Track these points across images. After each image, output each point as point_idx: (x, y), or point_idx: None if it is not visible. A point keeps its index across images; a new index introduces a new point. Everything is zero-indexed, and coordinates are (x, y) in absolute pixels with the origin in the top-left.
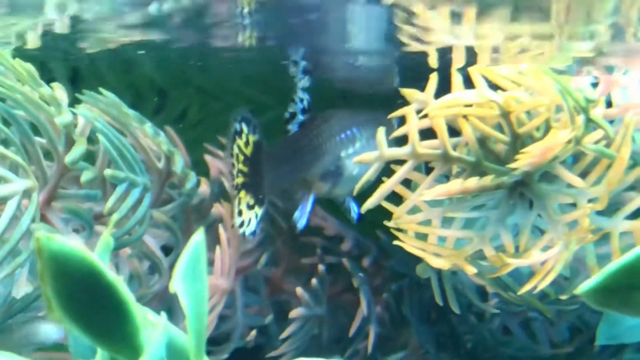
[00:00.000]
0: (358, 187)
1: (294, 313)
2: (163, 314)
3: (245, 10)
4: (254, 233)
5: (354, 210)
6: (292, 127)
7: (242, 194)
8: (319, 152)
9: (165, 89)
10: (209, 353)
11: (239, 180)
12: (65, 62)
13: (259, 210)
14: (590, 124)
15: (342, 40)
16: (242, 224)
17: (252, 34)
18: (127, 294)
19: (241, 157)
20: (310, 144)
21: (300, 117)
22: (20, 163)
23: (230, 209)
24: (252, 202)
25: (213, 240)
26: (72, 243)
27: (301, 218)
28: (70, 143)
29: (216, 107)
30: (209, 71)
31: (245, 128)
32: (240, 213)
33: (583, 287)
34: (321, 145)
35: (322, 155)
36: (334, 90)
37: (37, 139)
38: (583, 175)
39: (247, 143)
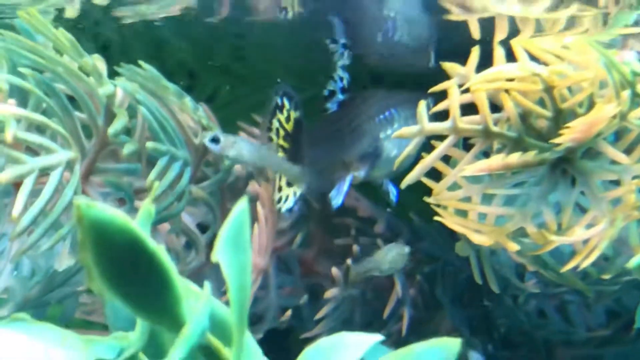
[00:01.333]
0: (398, 162)
1: (329, 293)
2: (207, 284)
3: None
4: (290, 210)
5: (392, 193)
6: (331, 106)
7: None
8: (359, 134)
9: (196, 68)
10: None
11: (280, 154)
12: (96, 38)
13: (297, 189)
14: (637, 99)
15: (380, 10)
16: (279, 200)
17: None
18: (169, 264)
19: (282, 132)
20: (350, 125)
21: (340, 96)
22: (62, 133)
23: (267, 188)
24: (286, 180)
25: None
26: (113, 211)
27: (337, 196)
28: (110, 116)
29: (247, 88)
30: (242, 48)
31: (287, 103)
32: (280, 189)
33: (634, 262)
34: (361, 126)
35: (362, 136)
36: (372, 67)
37: (76, 112)
38: (627, 152)
39: (288, 119)
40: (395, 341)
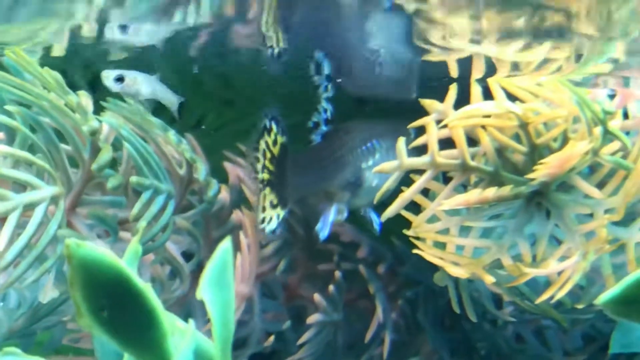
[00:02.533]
0: (378, 196)
1: (312, 319)
2: (191, 322)
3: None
4: (274, 231)
5: (375, 221)
6: (315, 137)
7: (268, 191)
8: (342, 164)
9: (183, 95)
10: None
11: (265, 176)
12: (86, 69)
13: (281, 212)
14: (608, 136)
15: (363, 46)
16: (263, 220)
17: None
18: (156, 301)
19: (268, 155)
20: (333, 155)
21: (324, 128)
22: (47, 169)
23: (250, 217)
24: (275, 201)
25: (232, 247)
26: (101, 250)
27: (323, 229)
28: (95, 150)
29: (233, 114)
30: (226, 77)
31: (275, 127)
32: (264, 209)
33: (602, 298)
34: (343, 156)
35: (344, 166)
36: (356, 99)
37: (62, 145)
38: (600, 186)
39: (275, 142)
40: None
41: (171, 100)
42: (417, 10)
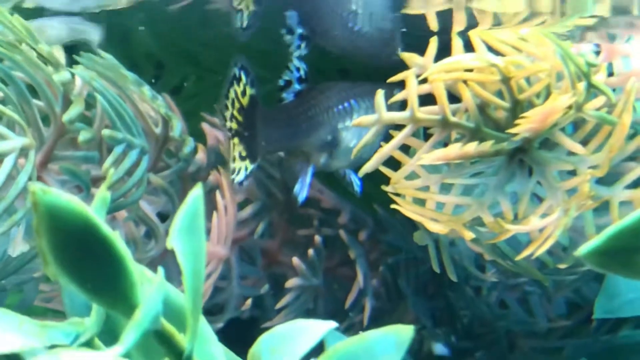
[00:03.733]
0: (356, 150)
1: (290, 283)
2: (160, 269)
3: None
4: (241, 183)
5: (356, 183)
6: (287, 96)
7: (236, 141)
8: (316, 123)
9: (162, 59)
10: None
11: (233, 125)
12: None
13: (249, 165)
14: (592, 91)
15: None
16: (233, 171)
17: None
18: (124, 249)
19: (237, 105)
20: (306, 113)
21: (297, 86)
22: (17, 121)
23: (228, 177)
24: (244, 153)
25: (210, 208)
26: (68, 197)
27: (301, 191)
28: (67, 104)
29: (213, 80)
30: (205, 41)
31: (244, 77)
32: (233, 159)
33: (583, 249)
34: (318, 115)
35: (319, 125)
36: (333, 59)
37: (34, 100)
38: (583, 143)
39: (243, 93)
40: (358, 332)
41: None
42: None
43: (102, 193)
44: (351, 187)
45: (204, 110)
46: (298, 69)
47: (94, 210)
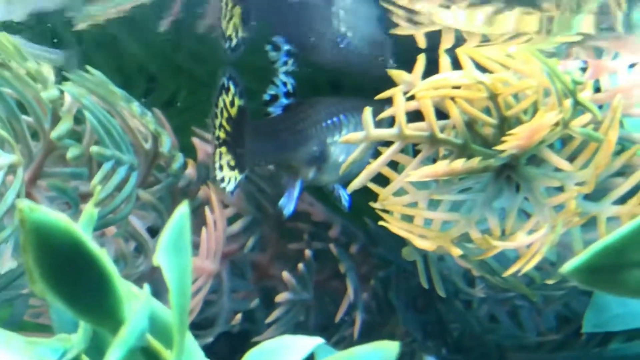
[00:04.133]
0: (344, 167)
1: (280, 297)
2: (146, 286)
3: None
4: (232, 193)
5: (344, 198)
6: (275, 110)
7: (223, 149)
8: (304, 136)
9: (154, 73)
10: (194, 337)
11: (221, 134)
12: (52, 43)
13: (238, 175)
14: (578, 108)
15: (328, 24)
16: (222, 180)
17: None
18: (111, 267)
19: (225, 114)
20: (295, 127)
21: (284, 100)
22: (5, 137)
23: (217, 192)
24: (232, 163)
25: (199, 224)
26: (55, 214)
27: (288, 204)
28: (56, 120)
29: (205, 93)
30: (196, 55)
31: (232, 87)
32: (220, 168)
33: (569, 266)
34: (306, 129)
35: (307, 139)
36: (323, 75)
37: (23, 117)
38: (570, 159)
39: (232, 103)
40: (348, 345)
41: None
42: None
43: (89, 210)
44: (339, 202)
45: (196, 124)
46: (285, 84)
47: (81, 227)
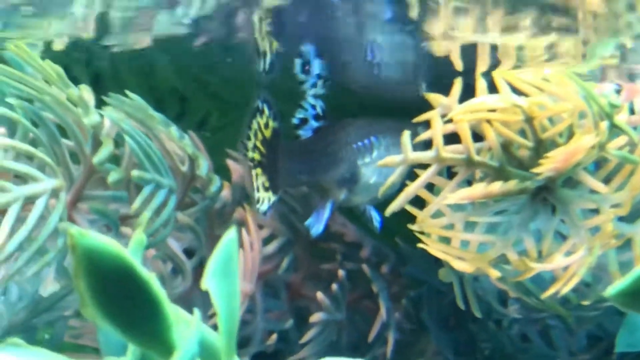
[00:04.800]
0: (382, 190)
1: (314, 317)
2: (196, 311)
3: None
4: (265, 213)
5: (375, 219)
6: (305, 133)
7: (259, 171)
8: (335, 158)
9: (186, 95)
10: None
11: (255, 156)
12: (88, 66)
13: (272, 196)
14: (614, 130)
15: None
16: (258, 200)
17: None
18: (160, 291)
19: (260, 136)
20: (326, 149)
21: (314, 123)
22: (48, 162)
23: (253, 214)
24: (267, 184)
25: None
26: (105, 239)
27: (316, 224)
28: (97, 144)
29: (237, 114)
30: (228, 76)
31: (267, 110)
32: (258, 189)
33: (611, 290)
34: (337, 151)
35: (338, 161)
36: (354, 96)
37: (64, 140)
38: (606, 181)
39: (266, 125)
40: None
41: None
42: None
43: (138, 236)
44: (371, 223)
45: (228, 144)
46: (314, 107)
47: (130, 252)
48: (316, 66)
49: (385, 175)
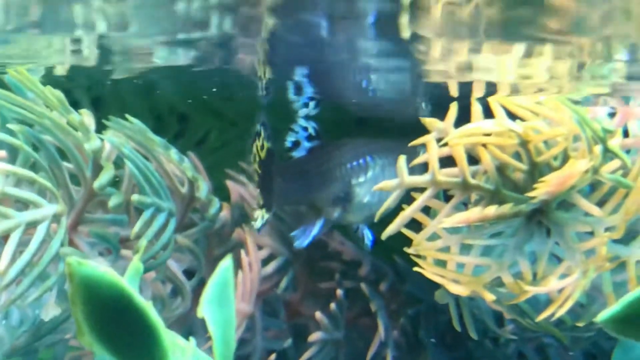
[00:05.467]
0: (379, 214)
1: (313, 337)
2: (192, 339)
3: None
4: (259, 230)
5: (367, 237)
6: (299, 154)
7: (258, 192)
8: (328, 177)
9: (186, 114)
10: None
11: (255, 177)
12: (89, 89)
13: (265, 214)
14: (608, 154)
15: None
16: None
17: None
18: (157, 319)
19: (257, 158)
20: (319, 168)
21: (306, 144)
22: (49, 188)
23: (252, 235)
24: (261, 202)
25: (234, 265)
26: (102, 268)
27: (302, 237)
28: (97, 168)
29: (235, 133)
30: (229, 97)
31: (262, 132)
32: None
33: (602, 316)
34: (331, 170)
35: (332, 180)
36: (350, 117)
37: (64, 164)
38: (600, 204)
39: (262, 147)
40: None
41: None
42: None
43: (135, 264)
44: (362, 241)
45: (227, 163)
46: (305, 128)
47: (127, 280)
48: (308, 88)
49: (379, 195)
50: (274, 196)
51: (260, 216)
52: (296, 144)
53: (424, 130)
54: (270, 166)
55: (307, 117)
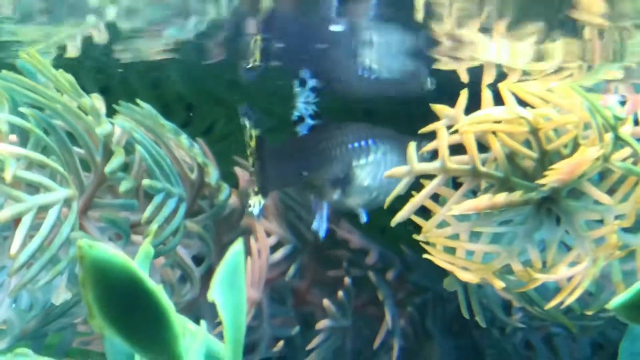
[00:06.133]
0: (388, 201)
1: (321, 324)
2: (203, 323)
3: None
4: (258, 216)
5: (362, 217)
6: (301, 130)
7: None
8: (327, 156)
9: (193, 102)
10: None
11: (251, 167)
12: (97, 74)
13: (262, 200)
14: (619, 142)
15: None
16: (249, 205)
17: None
18: (167, 302)
19: (250, 149)
20: (317, 146)
21: (310, 122)
22: (61, 172)
23: (261, 221)
24: (256, 189)
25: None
26: (113, 251)
27: (320, 227)
28: (107, 153)
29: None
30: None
31: (247, 123)
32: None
33: (614, 303)
34: (330, 149)
35: (331, 160)
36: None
37: (75, 148)
38: (610, 192)
39: (250, 137)
40: None
41: None
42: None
43: (145, 247)
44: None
45: (234, 151)
46: (306, 108)
47: (137, 263)
48: (310, 82)
49: (381, 180)
50: (267, 181)
51: (257, 202)
52: (301, 119)
53: (432, 116)
54: (261, 152)
55: (307, 102)
